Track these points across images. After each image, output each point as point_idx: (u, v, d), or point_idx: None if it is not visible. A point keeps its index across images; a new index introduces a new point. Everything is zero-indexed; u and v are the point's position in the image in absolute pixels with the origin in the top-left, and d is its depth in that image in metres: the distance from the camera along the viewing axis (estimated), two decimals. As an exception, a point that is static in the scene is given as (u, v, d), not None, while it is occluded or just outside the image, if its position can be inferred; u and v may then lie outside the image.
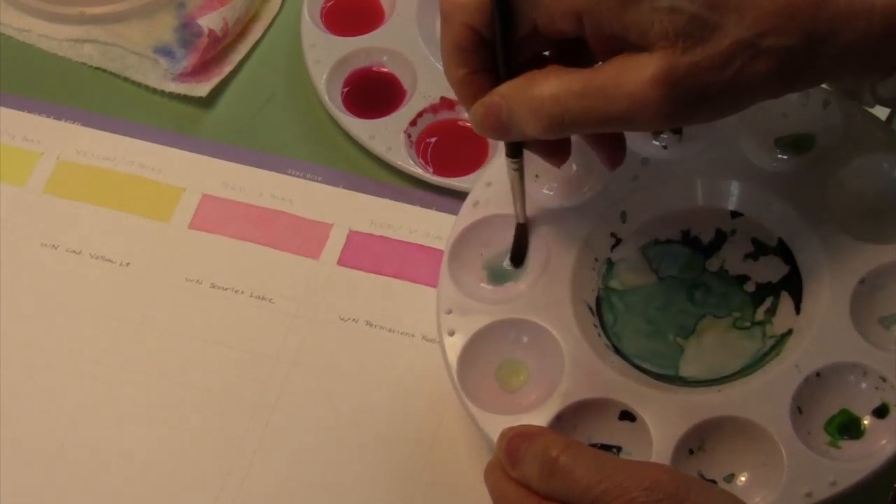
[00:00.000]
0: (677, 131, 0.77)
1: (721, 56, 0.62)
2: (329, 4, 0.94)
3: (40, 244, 0.86)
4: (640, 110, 0.63)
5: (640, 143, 0.77)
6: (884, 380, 0.69)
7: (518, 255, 0.75)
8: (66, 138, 0.90)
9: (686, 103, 0.64)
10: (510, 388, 0.73)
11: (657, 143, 0.77)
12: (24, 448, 0.78)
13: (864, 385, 0.69)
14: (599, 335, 0.74)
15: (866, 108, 0.75)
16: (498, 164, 0.78)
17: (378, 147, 0.87)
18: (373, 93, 0.90)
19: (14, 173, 0.88)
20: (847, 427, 0.69)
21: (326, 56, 0.90)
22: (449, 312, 0.75)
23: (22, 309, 0.83)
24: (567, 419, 0.71)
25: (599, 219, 0.76)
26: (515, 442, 0.65)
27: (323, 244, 0.85)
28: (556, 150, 0.72)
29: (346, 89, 0.90)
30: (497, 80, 0.67)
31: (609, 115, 0.64)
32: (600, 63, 0.66)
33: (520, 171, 0.72)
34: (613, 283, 0.76)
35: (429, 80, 0.89)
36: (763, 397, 0.69)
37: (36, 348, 0.82)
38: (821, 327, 0.71)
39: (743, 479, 0.69)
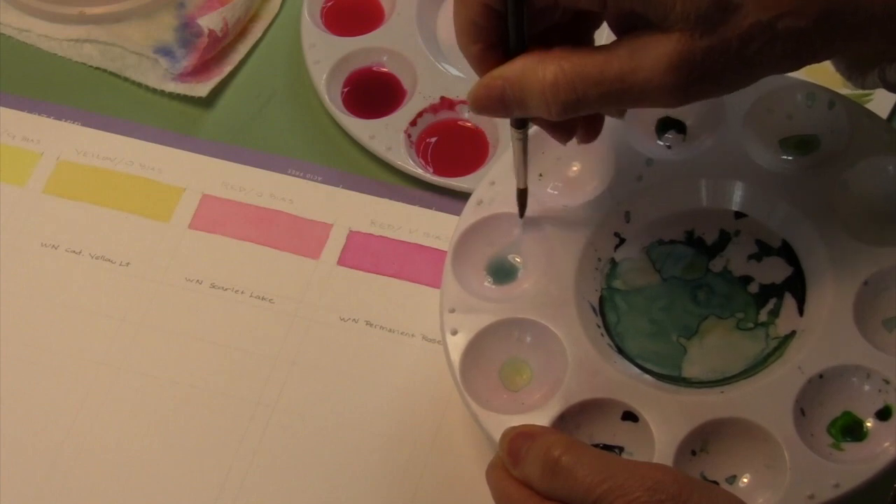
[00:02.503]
0: (682, 131, 0.78)
1: (738, 39, 0.62)
2: (329, 4, 0.94)
3: (40, 244, 0.86)
4: (656, 94, 0.63)
5: (644, 143, 0.77)
6: (887, 382, 0.69)
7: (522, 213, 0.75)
8: (66, 138, 0.90)
9: (700, 86, 0.63)
10: (513, 387, 0.73)
11: (661, 143, 0.78)
12: (24, 448, 0.78)
13: (867, 387, 0.69)
14: (602, 335, 0.74)
15: (871, 111, 0.75)
16: (501, 163, 0.78)
17: (378, 147, 0.87)
18: (373, 93, 0.90)
19: (14, 173, 0.88)
20: (850, 429, 0.69)
21: (326, 56, 0.90)
22: (452, 311, 0.74)
23: (22, 309, 0.83)
24: (570, 419, 0.71)
25: (603, 219, 0.76)
26: (517, 441, 0.65)
27: (323, 244, 0.85)
28: (562, 128, 0.71)
29: (346, 89, 0.90)
30: (508, 55, 0.67)
31: (623, 98, 0.64)
32: (611, 43, 0.65)
33: (523, 142, 0.71)
34: (617, 283, 0.76)
35: (429, 80, 0.89)
36: (766, 399, 0.69)
37: (36, 348, 0.82)
38: (824, 329, 0.71)
39: (745, 480, 0.69)
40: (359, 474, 0.77)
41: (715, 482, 0.69)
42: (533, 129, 0.72)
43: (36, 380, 0.81)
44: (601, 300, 0.75)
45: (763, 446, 0.69)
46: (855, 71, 0.72)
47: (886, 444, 0.68)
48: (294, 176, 0.88)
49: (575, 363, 0.72)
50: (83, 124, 0.90)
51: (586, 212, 0.76)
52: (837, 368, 0.69)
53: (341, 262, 0.84)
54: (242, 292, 0.83)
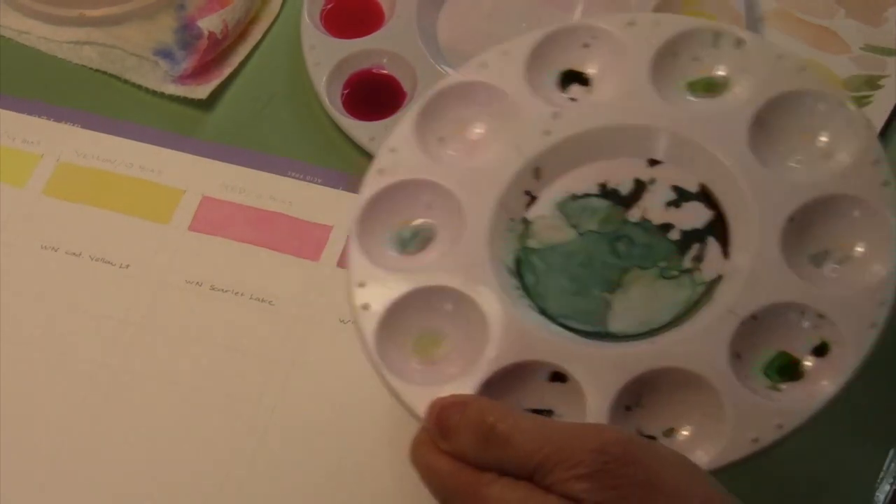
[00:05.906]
0: (585, 83, 0.76)
1: None
2: (329, 6, 0.94)
3: (40, 246, 0.86)
4: None
5: (549, 96, 0.75)
6: (821, 317, 0.66)
7: None
8: (66, 140, 0.90)
9: None
10: (431, 358, 0.70)
11: (565, 95, 0.75)
12: (24, 449, 0.79)
13: (803, 324, 0.67)
14: (522, 297, 0.71)
15: (782, 49, 0.73)
16: (401, 128, 0.76)
17: (378, 149, 0.87)
18: (373, 95, 0.90)
19: (14, 175, 0.89)
20: (786, 369, 0.66)
21: (326, 58, 0.90)
22: (362, 285, 0.71)
23: (22, 311, 0.83)
24: (495, 386, 0.67)
25: (512, 177, 0.73)
26: (447, 412, 0.62)
27: (323, 246, 0.85)
28: None
29: (346, 91, 0.90)
30: None
31: None
32: None
33: None
34: (531, 243, 0.73)
35: (429, 82, 0.88)
36: (698, 345, 0.67)
37: (36, 351, 0.82)
38: (752, 269, 0.68)
39: (685, 433, 0.66)
40: (359, 474, 0.76)
41: (652, 437, 0.66)
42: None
43: (36, 382, 0.81)
44: (517, 261, 0.72)
45: (699, 394, 0.66)
46: None
47: (824, 381, 0.65)
48: (294, 178, 0.88)
49: (495, 328, 0.68)
50: (83, 126, 0.91)
51: (493, 172, 0.73)
52: (770, 307, 0.67)
53: (341, 264, 0.84)
54: (242, 294, 0.83)
